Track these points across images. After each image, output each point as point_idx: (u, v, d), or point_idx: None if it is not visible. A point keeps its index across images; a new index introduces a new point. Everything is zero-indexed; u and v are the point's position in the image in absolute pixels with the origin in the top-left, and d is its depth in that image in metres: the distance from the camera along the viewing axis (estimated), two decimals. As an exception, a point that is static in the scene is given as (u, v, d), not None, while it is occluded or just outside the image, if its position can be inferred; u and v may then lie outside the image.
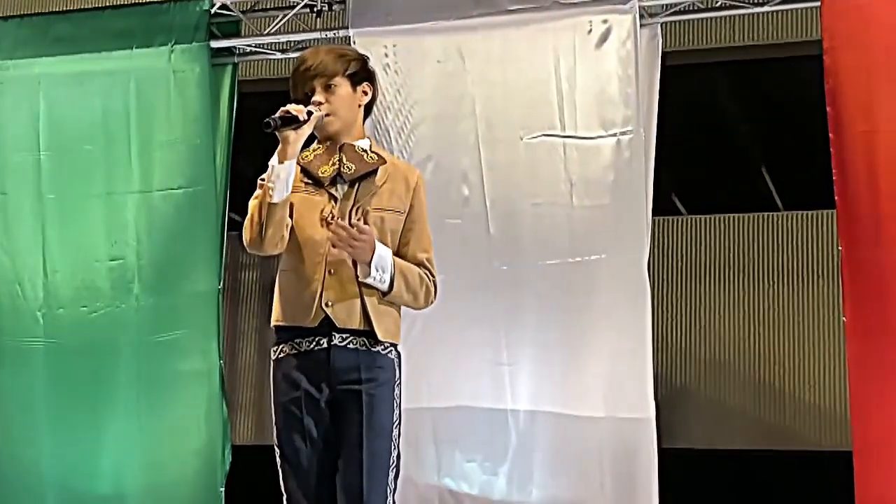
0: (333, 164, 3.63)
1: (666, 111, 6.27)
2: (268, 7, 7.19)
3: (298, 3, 6.88)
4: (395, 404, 3.61)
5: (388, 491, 3.56)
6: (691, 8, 6.42)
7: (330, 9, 6.80)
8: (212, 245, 6.71)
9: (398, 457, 3.60)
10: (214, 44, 6.91)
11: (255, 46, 7.10)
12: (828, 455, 8.10)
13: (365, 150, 3.69)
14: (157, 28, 6.86)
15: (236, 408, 9.43)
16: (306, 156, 3.66)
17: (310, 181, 3.63)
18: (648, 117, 6.18)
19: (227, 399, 6.73)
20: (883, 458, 5.45)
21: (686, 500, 7.01)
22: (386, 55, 6.44)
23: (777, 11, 6.56)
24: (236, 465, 6.65)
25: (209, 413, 6.61)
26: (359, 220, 3.51)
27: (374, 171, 3.65)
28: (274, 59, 7.35)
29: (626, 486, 5.81)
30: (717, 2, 6.42)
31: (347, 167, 3.62)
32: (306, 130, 3.53)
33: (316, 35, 6.92)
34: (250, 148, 7.63)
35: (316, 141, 3.73)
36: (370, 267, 3.50)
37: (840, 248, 5.66)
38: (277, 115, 3.47)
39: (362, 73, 3.71)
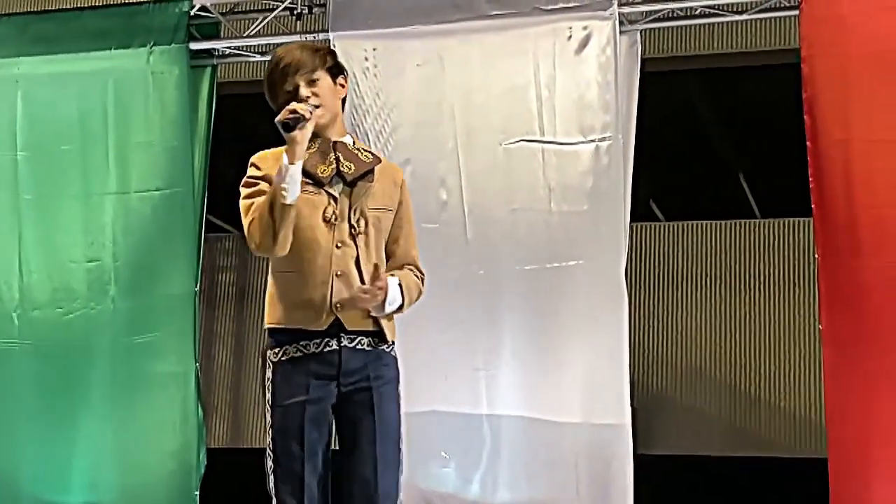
0: (331, 163, 3.62)
1: (645, 118, 6.28)
2: (248, 9, 7.17)
3: (278, 6, 6.87)
4: (399, 403, 3.66)
5: (399, 485, 3.59)
6: (671, 15, 6.44)
7: (310, 12, 6.79)
8: (189, 247, 6.69)
9: (402, 457, 3.63)
10: (194, 45, 6.89)
11: (235, 49, 7.08)
12: (802, 461, 8.13)
13: (359, 149, 3.70)
14: (137, 29, 6.84)
15: (211, 410, 9.42)
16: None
17: (309, 181, 3.58)
18: (627, 124, 6.19)
19: (203, 402, 6.70)
20: (857, 466, 5.47)
21: (661, 505, 7.03)
22: (366, 59, 6.44)
23: (755, 20, 6.57)
24: (211, 468, 6.63)
25: (184, 416, 6.58)
26: (358, 227, 3.57)
27: (371, 171, 3.66)
28: (253, 62, 7.33)
29: (602, 492, 5.81)
30: (696, 10, 6.44)
31: (346, 167, 3.61)
32: (309, 128, 3.51)
33: (296, 38, 6.89)
34: (228, 150, 7.64)
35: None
36: (384, 307, 3.54)
37: (817, 256, 5.69)
38: (288, 116, 3.47)
39: (336, 67, 3.71)
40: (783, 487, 8.61)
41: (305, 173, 3.56)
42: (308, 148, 3.58)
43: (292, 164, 3.46)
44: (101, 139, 6.82)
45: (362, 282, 3.53)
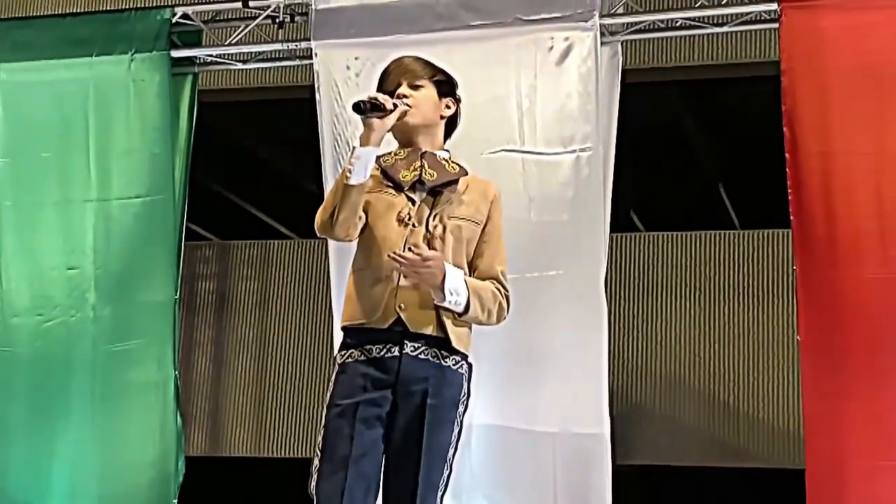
0: (415, 169, 3.64)
1: (625, 128, 6.30)
2: (229, 17, 7.18)
3: (260, 14, 6.87)
4: (457, 423, 3.58)
5: None
6: (652, 27, 6.47)
7: (292, 20, 6.79)
8: (169, 255, 6.67)
9: (449, 476, 3.57)
10: (175, 53, 6.88)
11: (217, 56, 7.08)
12: (781, 472, 8.15)
13: (446, 160, 3.70)
14: (118, 36, 6.83)
15: (190, 419, 9.39)
16: (387, 159, 3.67)
17: (390, 184, 3.63)
18: (608, 134, 6.21)
19: (181, 410, 6.69)
20: (835, 477, 5.48)
21: (640, 516, 7.04)
22: (348, 67, 6.43)
23: (736, 32, 6.61)
24: (189, 477, 6.62)
25: (163, 424, 6.56)
26: (434, 233, 3.56)
27: (455, 181, 3.66)
28: (235, 70, 7.33)
29: (580, 501, 5.81)
30: (677, 22, 6.47)
31: (429, 173, 3.63)
32: (390, 120, 3.54)
33: (278, 46, 6.91)
34: (209, 158, 7.64)
35: (398, 146, 3.74)
36: (443, 291, 3.48)
37: (795, 267, 5.71)
38: (366, 98, 3.50)
39: (448, 87, 3.76)
40: (762, 497, 8.63)
41: (387, 176, 3.63)
42: (396, 154, 3.67)
43: (364, 146, 3.48)
44: (81, 146, 6.80)
45: None
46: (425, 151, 3.68)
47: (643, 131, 8.18)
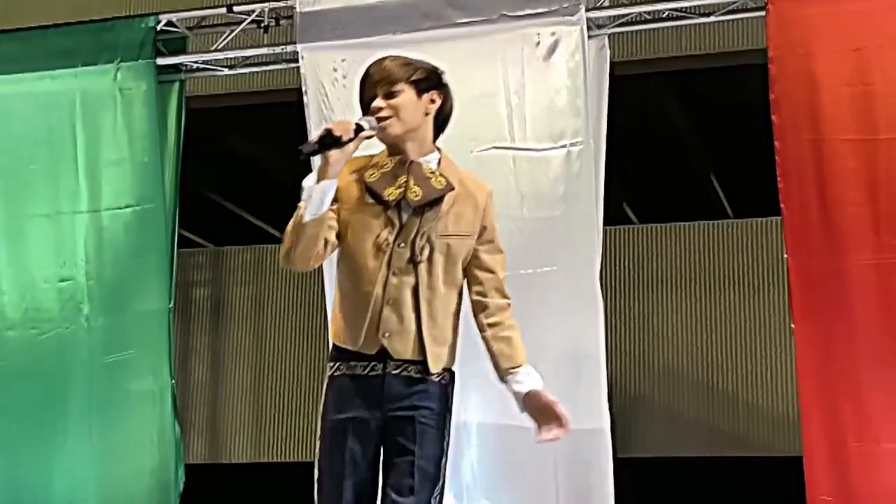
0: (400, 186, 3.47)
1: (615, 121, 6.29)
2: (214, 23, 7.16)
3: (245, 19, 6.85)
4: (445, 432, 3.58)
5: None
6: (638, 19, 6.45)
7: (277, 24, 6.78)
8: (162, 263, 6.67)
9: (443, 486, 3.58)
10: (161, 61, 6.88)
11: (203, 63, 7.07)
12: (781, 460, 8.14)
13: (433, 172, 3.53)
14: (103, 46, 6.82)
15: (188, 426, 9.37)
16: (372, 174, 3.51)
17: (373, 201, 3.48)
18: (598, 128, 6.20)
19: (179, 418, 6.68)
20: (832, 464, 5.49)
21: (642, 509, 7.03)
22: (334, 69, 6.42)
23: (722, 21, 6.59)
24: (189, 485, 6.61)
25: (161, 433, 6.56)
26: (422, 255, 3.49)
27: (441, 198, 3.50)
28: (221, 75, 7.32)
29: (581, 498, 5.80)
30: (663, 13, 6.46)
31: (413, 192, 3.47)
32: (351, 148, 3.36)
33: (264, 50, 6.91)
34: (199, 164, 7.62)
35: (385, 150, 3.57)
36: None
37: (786, 255, 5.71)
38: (315, 138, 3.33)
39: (428, 81, 3.55)
40: (762, 486, 8.63)
41: (372, 193, 3.47)
42: (381, 167, 3.51)
43: (318, 182, 3.33)
44: (70, 157, 6.79)
45: (417, 311, 3.49)
46: (412, 162, 3.52)
47: (633, 123, 8.17)
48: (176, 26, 6.95)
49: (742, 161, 9.48)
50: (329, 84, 6.38)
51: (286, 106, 7.17)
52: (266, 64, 7.10)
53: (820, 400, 5.55)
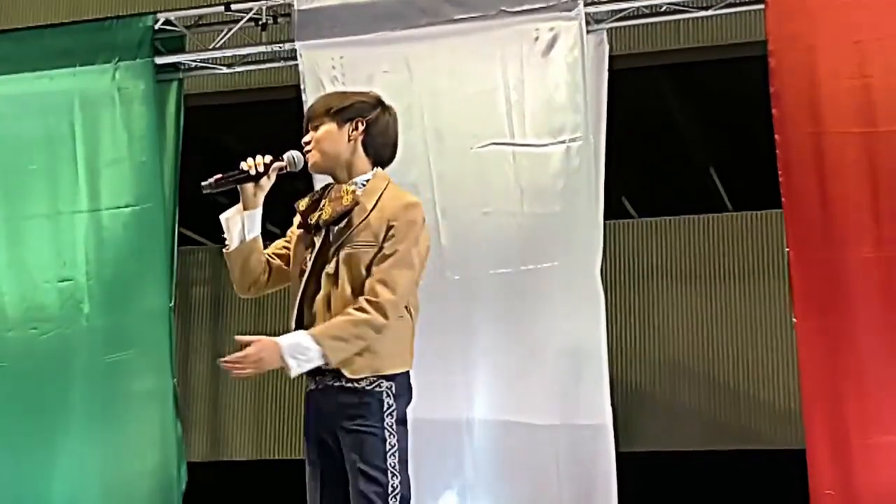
0: (319, 209, 3.72)
1: (614, 115, 6.28)
2: (212, 22, 7.14)
3: (243, 17, 6.84)
4: (388, 433, 3.61)
5: None
6: (637, 13, 6.44)
7: (275, 22, 6.77)
8: (162, 262, 6.66)
9: (402, 482, 3.59)
10: (159, 60, 6.87)
11: (201, 61, 7.06)
12: (783, 453, 8.14)
13: (349, 191, 3.70)
14: (101, 45, 6.81)
15: (190, 425, 9.36)
16: (306, 203, 3.77)
17: (301, 229, 3.77)
18: (597, 123, 6.19)
19: (181, 416, 6.67)
20: (835, 456, 5.49)
21: (645, 503, 7.02)
22: (333, 67, 6.42)
23: (721, 14, 6.58)
24: (191, 483, 6.61)
25: (163, 433, 6.56)
26: (329, 271, 3.63)
27: (347, 213, 3.67)
28: (220, 74, 7.31)
29: (585, 494, 5.80)
30: (661, 7, 6.44)
31: (325, 212, 3.69)
32: (268, 181, 3.75)
33: (262, 48, 6.90)
34: (198, 162, 7.60)
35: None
36: (286, 363, 3.54)
37: (787, 249, 5.70)
38: (215, 178, 3.70)
39: (350, 111, 3.77)
40: (765, 479, 8.63)
41: (301, 220, 3.76)
42: (312, 196, 3.79)
43: (239, 213, 3.76)
44: (69, 157, 6.79)
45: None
46: (332, 185, 3.77)
47: (632, 117, 8.16)
48: (174, 25, 6.94)
49: (741, 154, 9.48)
50: (328, 81, 6.37)
51: (285, 104, 7.16)
52: (264, 62, 7.09)
53: (822, 393, 5.55)
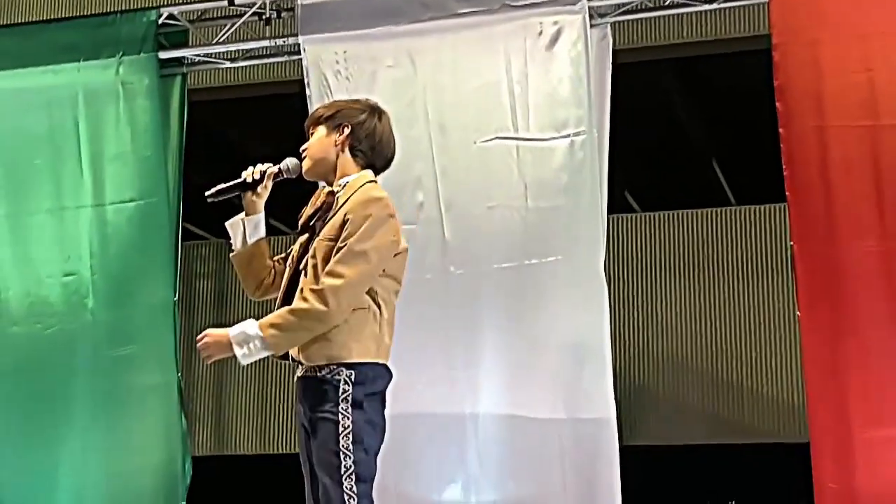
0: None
1: (617, 109, 6.28)
2: (216, 16, 7.14)
3: (246, 12, 6.84)
4: (343, 416, 3.69)
5: None
6: (641, 7, 6.44)
7: (279, 16, 6.76)
8: (166, 257, 6.66)
9: (356, 462, 3.67)
10: (163, 54, 6.86)
11: (204, 56, 7.06)
12: (787, 447, 8.16)
13: (324, 192, 3.87)
14: (104, 40, 6.81)
15: (194, 419, 9.38)
16: (306, 207, 3.91)
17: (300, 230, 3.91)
18: (601, 117, 6.19)
19: (186, 411, 6.67)
20: (839, 450, 5.49)
21: (648, 497, 7.04)
22: (336, 62, 6.42)
23: (725, 8, 6.57)
24: (196, 477, 6.61)
25: (168, 427, 6.56)
26: (301, 267, 3.79)
27: (316, 213, 3.85)
28: (223, 68, 7.31)
29: (588, 487, 5.80)
30: (665, 1, 6.44)
31: (304, 214, 3.88)
32: (265, 189, 3.94)
33: (265, 43, 6.89)
34: (202, 157, 7.61)
35: None
36: (234, 351, 3.68)
37: (792, 243, 5.70)
38: (216, 188, 3.90)
39: (338, 117, 3.89)
40: (768, 473, 8.64)
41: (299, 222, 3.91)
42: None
43: (244, 219, 3.95)
44: (73, 152, 6.78)
45: None
46: (321, 189, 3.92)
47: (636, 111, 8.15)
48: (177, 19, 6.94)
49: (745, 148, 9.47)
50: (332, 76, 6.37)
51: (288, 98, 7.16)
52: (268, 56, 7.09)
53: (826, 387, 5.55)
